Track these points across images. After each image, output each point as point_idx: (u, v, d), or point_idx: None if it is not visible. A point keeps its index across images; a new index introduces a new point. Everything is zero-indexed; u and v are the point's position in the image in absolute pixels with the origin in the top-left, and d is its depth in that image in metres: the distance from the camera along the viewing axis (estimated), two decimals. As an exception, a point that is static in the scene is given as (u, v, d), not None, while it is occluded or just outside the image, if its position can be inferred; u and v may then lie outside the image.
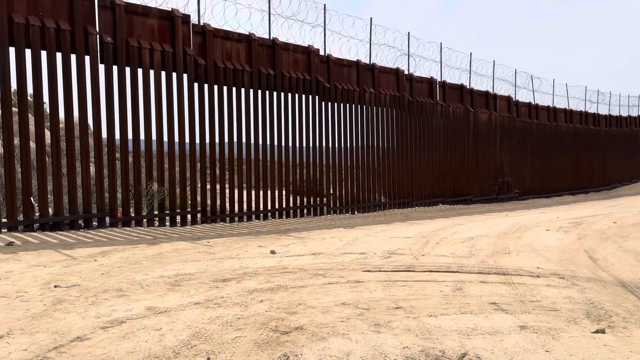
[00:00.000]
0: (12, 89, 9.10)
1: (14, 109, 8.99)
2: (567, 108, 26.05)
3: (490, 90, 20.84)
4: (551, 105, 24.84)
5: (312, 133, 13.50)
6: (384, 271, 5.84)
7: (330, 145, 13.97)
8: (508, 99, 21.87)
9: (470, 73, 19.92)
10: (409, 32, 16.89)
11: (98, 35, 9.58)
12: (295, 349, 3.28)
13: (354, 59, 14.77)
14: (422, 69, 19.07)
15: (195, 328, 3.66)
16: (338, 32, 14.21)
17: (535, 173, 23.30)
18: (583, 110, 27.25)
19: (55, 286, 4.81)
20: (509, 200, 21.20)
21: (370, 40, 15.48)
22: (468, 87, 19.61)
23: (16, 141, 9.01)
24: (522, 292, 5.00)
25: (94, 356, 3.13)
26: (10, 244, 7.33)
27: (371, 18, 15.47)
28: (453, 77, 19.00)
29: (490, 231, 9.98)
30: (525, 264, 6.54)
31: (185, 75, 10.81)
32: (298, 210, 13.18)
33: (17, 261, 6.07)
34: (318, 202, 13.68)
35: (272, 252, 7.05)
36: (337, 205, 14.25)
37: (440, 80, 18.24)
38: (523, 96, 23.21)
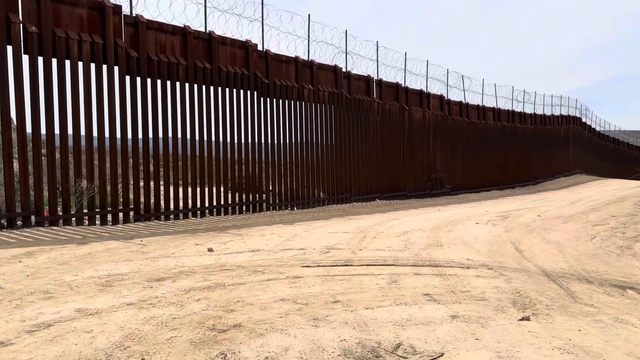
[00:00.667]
0: None
1: None
2: (496, 107, 27.25)
3: (424, 89, 21.46)
4: (481, 104, 25.91)
5: (250, 129, 13.38)
6: (323, 266, 5.90)
7: (269, 141, 13.91)
8: (440, 97, 22.61)
9: (405, 72, 20.42)
10: (346, 30, 17.08)
11: (21, 24, 9.05)
12: (233, 347, 3.25)
13: (293, 55, 14.76)
14: (360, 67, 19.37)
15: (128, 329, 3.55)
16: (276, 28, 14.15)
17: (466, 169, 24.24)
18: (510, 109, 28.60)
19: (-26, 290, 4.52)
20: (441, 195, 21.94)
21: (309, 37, 15.53)
22: (403, 85, 20.09)
23: None
24: (453, 283, 5.20)
25: (19, 362, 2.97)
26: None
27: (309, 15, 15.54)
28: (389, 75, 19.40)
29: (424, 225, 10.30)
30: (456, 256, 6.80)
31: (116, 68, 10.40)
32: (237, 207, 13.04)
33: None
34: (257, 199, 13.59)
35: (210, 249, 6.95)
36: (277, 201, 14.22)
37: (377, 78, 18.58)
38: (454, 95, 24.07)
